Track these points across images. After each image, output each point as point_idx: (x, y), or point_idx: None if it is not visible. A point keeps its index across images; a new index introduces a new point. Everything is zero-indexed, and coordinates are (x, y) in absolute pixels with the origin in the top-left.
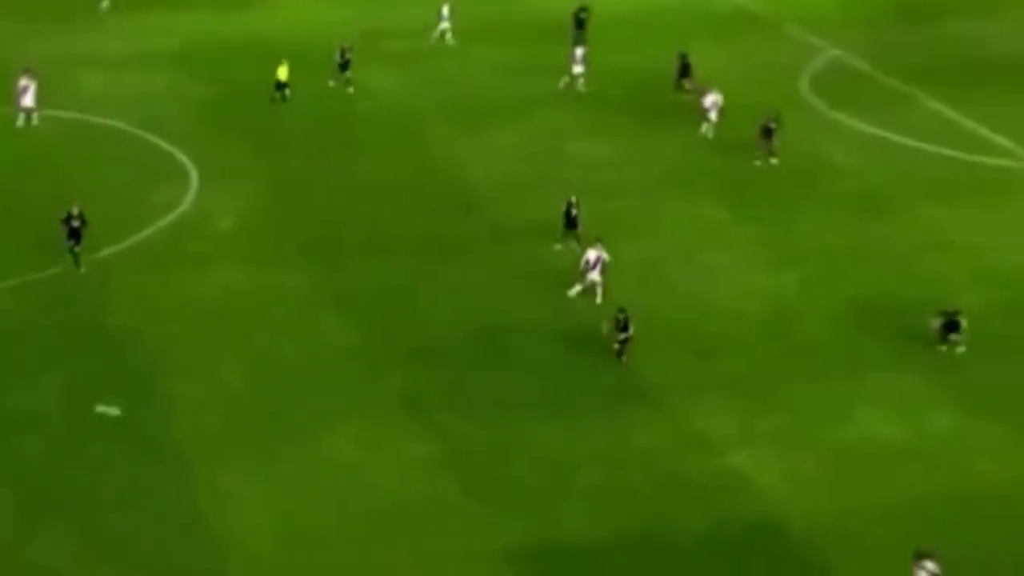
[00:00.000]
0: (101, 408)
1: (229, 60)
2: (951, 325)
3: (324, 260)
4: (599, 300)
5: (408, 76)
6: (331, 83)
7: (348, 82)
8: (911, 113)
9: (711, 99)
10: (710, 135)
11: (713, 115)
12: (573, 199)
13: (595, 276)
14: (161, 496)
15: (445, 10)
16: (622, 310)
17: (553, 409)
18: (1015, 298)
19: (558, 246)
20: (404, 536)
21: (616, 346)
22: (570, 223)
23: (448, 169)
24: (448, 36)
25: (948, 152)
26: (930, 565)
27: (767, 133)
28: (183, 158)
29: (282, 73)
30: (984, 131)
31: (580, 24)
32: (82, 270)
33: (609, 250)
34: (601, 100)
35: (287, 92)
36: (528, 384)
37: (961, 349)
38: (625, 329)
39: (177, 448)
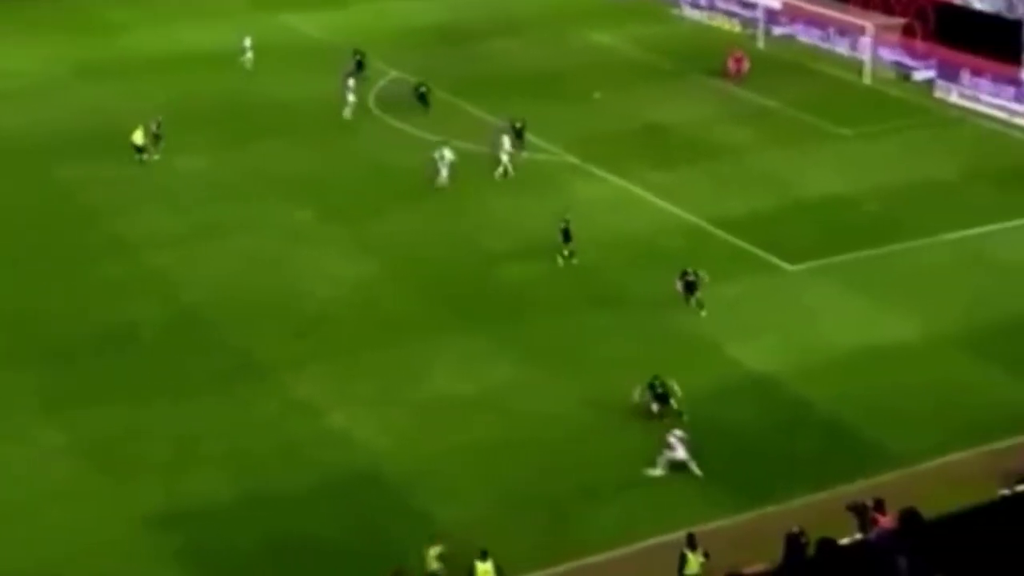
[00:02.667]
0: None
1: None
2: (689, 286)
3: None
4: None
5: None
6: None
7: None
8: (460, 120)
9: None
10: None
11: None
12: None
13: None
14: None
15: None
16: None
17: (177, 392)
18: (552, 269)
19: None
20: (50, 518)
21: None
22: None
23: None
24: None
25: (499, 152)
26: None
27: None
28: None
29: (137, 137)
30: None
31: (423, 98)
32: None
33: (211, 249)
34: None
35: (144, 157)
36: (153, 370)
37: (704, 313)
38: None
39: None
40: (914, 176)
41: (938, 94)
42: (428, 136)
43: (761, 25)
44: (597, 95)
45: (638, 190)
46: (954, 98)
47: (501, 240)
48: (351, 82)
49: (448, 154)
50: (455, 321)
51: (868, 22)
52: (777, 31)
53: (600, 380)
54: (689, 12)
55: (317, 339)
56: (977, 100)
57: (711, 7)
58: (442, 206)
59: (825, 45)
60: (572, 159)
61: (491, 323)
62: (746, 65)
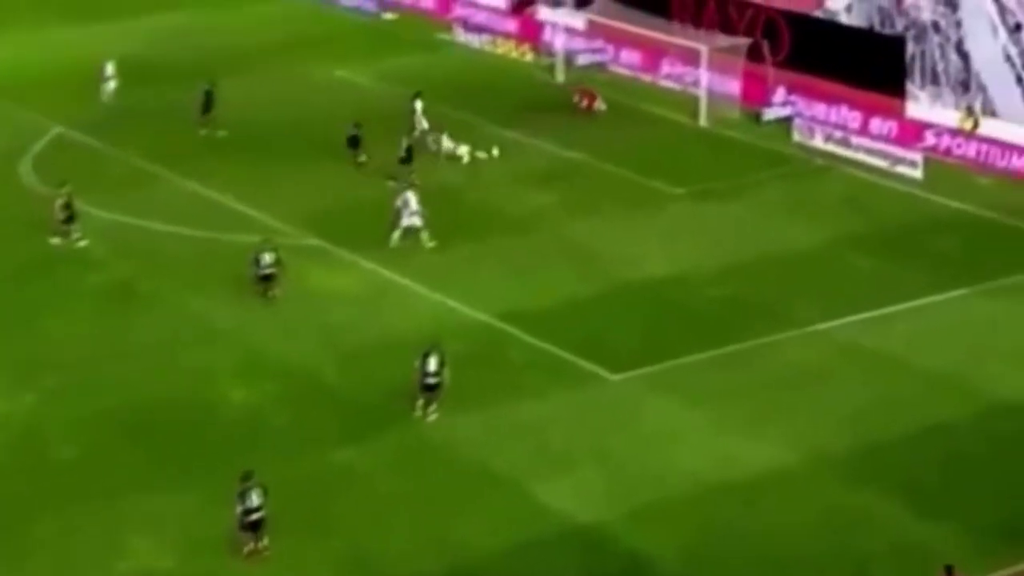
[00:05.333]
0: None
1: None
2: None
3: None
4: None
5: None
6: None
7: None
8: (158, 192)
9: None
10: None
11: None
12: None
13: None
14: None
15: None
16: None
17: None
18: (283, 390)
19: None
20: None
21: None
22: None
23: None
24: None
25: (203, 233)
26: None
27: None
28: None
29: None
30: (238, 206)
31: (355, 142)
32: None
33: None
34: None
35: None
36: None
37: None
38: None
39: None
40: (769, 246)
41: (797, 136)
42: (109, 215)
43: (559, 52)
44: (363, 158)
45: (404, 279)
46: (818, 141)
47: (214, 355)
48: None
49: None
50: (156, 472)
51: (702, 45)
52: (582, 60)
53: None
54: (463, 37)
55: None
56: (847, 143)
57: (491, 29)
58: (126, 307)
59: (647, 76)
60: (312, 240)
61: (208, 473)
62: (599, 105)
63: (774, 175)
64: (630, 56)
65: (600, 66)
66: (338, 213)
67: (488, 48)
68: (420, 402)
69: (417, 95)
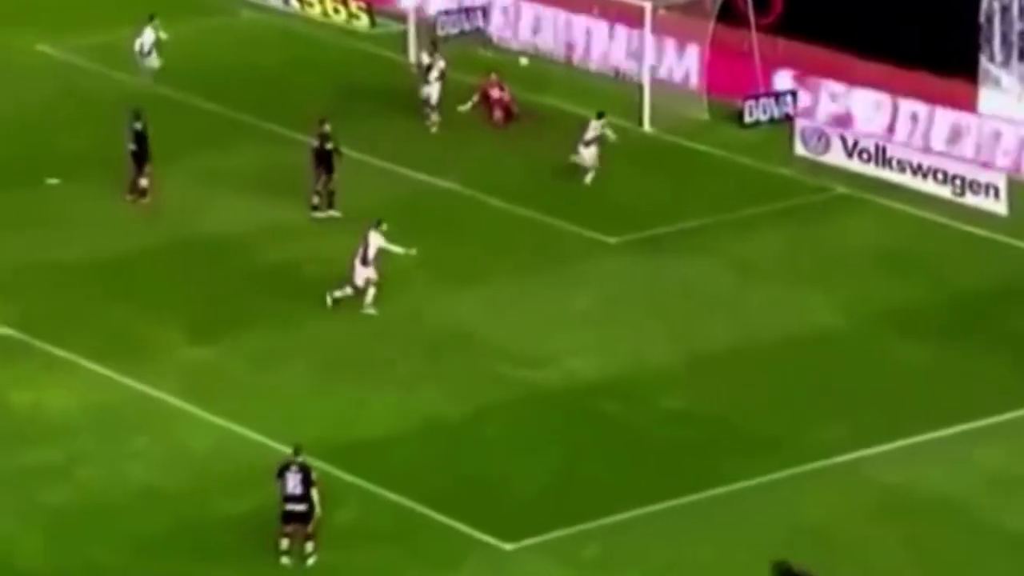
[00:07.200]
0: None
1: None
2: None
3: None
4: None
5: None
6: None
7: None
8: None
9: None
10: None
11: None
12: None
13: None
14: None
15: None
16: None
17: None
18: None
19: None
20: None
21: None
22: None
23: None
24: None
25: None
26: None
27: None
28: None
29: None
30: None
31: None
32: None
33: None
34: None
35: None
36: None
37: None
38: None
39: None
40: (760, 328)
41: (802, 148)
42: None
43: (410, 13)
44: (52, 181)
45: (158, 392)
46: (836, 155)
47: None
48: None
49: None
50: None
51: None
52: (449, 26)
53: None
54: None
55: None
56: (884, 159)
57: None
58: None
59: (558, 52)
60: (3, 330)
61: None
62: (513, 106)
63: (765, 212)
64: (531, 20)
65: (480, 36)
66: (45, 281)
67: (296, 8)
68: (284, 541)
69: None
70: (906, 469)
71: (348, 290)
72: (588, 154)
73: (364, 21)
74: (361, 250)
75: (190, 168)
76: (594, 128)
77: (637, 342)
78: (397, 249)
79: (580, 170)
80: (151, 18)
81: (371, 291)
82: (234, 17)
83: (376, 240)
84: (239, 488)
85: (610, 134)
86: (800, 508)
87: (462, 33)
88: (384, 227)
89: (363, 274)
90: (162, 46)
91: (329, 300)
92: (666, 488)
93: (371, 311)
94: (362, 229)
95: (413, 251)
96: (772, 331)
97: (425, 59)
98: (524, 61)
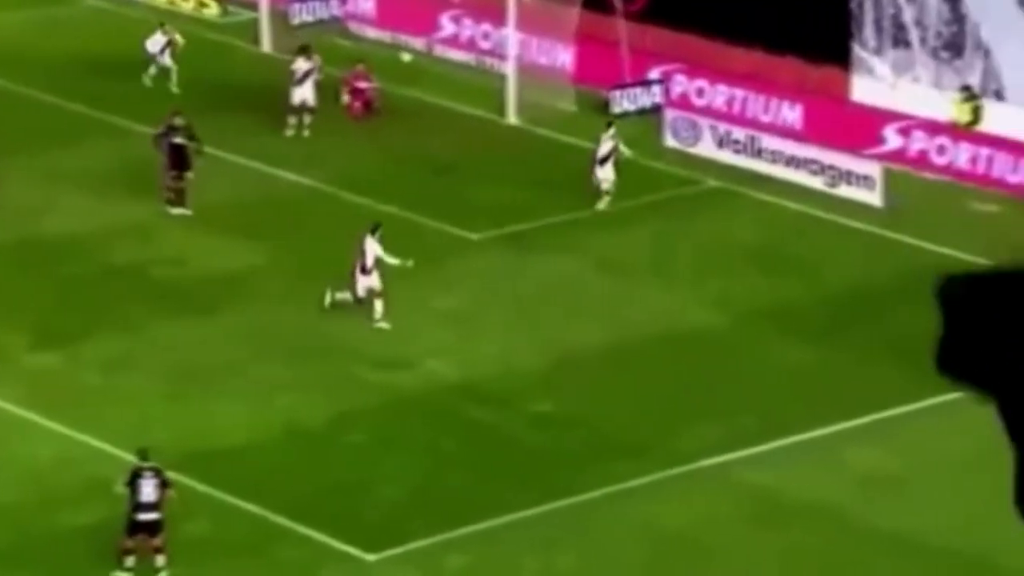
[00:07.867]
0: None
1: None
2: None
3: None
4: None
5: None
6: None
7: None
8: None
9: None
10: None
11: None
12: None
13: None
14: None
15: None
16: None
17: None
18: None
19: None
20: None
21: None
22: None
23: None
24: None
25: None
26: None
27: None
28: None
29: None
30: None
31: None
32: None
33: None
34: None
35: None
36: None
37: None
38: None
39: None
40: (629, 327)
41: (672, 139)
42: None
43: (264, 9)
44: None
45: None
46: (707, 146)
47: None
48: None
49: None
50: None
51: None
52: (303, 13)
53: None
54: None
55: None
56: (756, 150)
57: None
58: None
59: (417, 40)
60: None
61: None
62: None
63: (634, 206)
64: (387, 6)
65: (336, 24)
66: None
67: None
68: (129, 559)
69: None
70: (778, 472)
71: (348, 296)
72: (604, 175)
73: (214, 9)
74: (359, 259)
75: (31, 164)
76: (605, 141)
77: (502, 343)
78: (393, 260)
79: (594, 193)
80: None
81: (378, 304)
82: (75, 5)
83: (373, 247)
84: (85, 499)
85: (624, 149)
86: (669, 513)
87: (319, 23)
88: (380, 233)
89: (364, 284)
90: None
91: (328, 300)
92: (532, 495)
93: (383, 325)
94: (216, 228)
95: (410, 263)
96: (643, 330)
97: (303, 65)
98: (407, 57)
